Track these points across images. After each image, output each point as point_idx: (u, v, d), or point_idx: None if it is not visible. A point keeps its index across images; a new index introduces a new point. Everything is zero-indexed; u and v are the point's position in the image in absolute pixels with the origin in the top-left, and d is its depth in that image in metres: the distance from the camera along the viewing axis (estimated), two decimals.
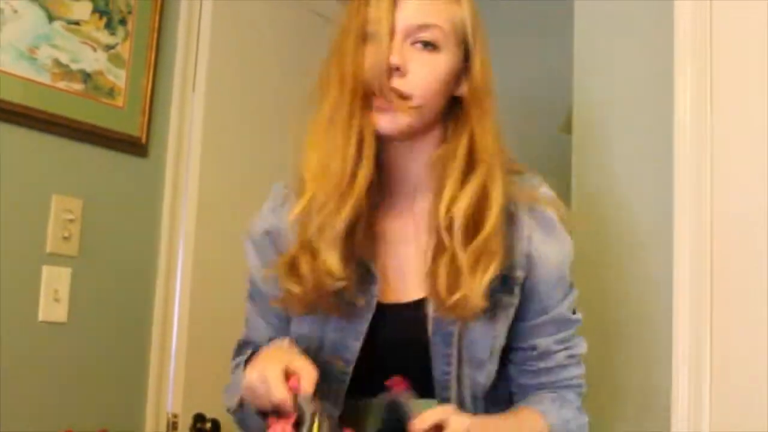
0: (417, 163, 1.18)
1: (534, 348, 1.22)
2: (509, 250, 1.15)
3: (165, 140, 2.00)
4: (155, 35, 1.97)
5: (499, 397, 1.23)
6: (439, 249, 1.13)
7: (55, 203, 1.77)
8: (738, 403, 1.43)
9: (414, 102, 1.11)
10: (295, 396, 0.98)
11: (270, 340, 1.22)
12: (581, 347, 1.25)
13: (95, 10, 1.85)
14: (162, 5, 1.98)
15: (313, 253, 1.12)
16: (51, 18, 1.77)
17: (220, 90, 2.10)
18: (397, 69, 1.10)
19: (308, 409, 0.98)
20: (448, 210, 1.12)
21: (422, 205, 1.18)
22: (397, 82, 1.10)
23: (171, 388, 1.95)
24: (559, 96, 2.03)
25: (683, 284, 1.50)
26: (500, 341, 1.19)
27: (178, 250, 2.01)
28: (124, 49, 1.91)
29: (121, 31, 1.90)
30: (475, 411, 1.17)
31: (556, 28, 1.87)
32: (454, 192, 1.13)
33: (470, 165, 1.15)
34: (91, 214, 1.84)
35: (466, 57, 1.17)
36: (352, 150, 1.11)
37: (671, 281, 1.51)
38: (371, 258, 1.18)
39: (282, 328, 1.25)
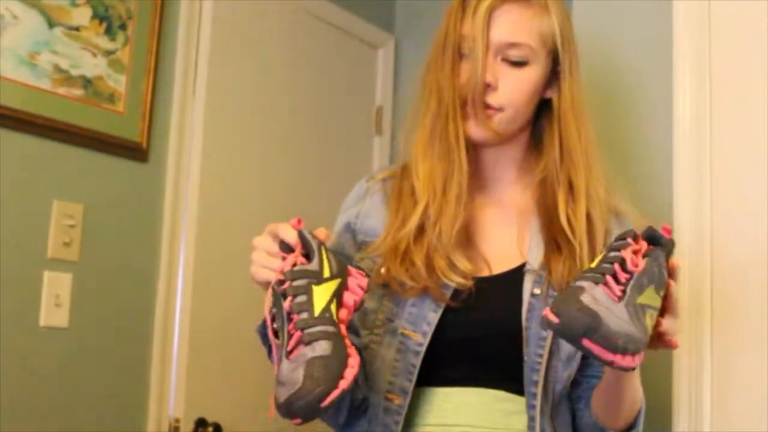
0: (506, 162, 1.30)
1: None
2: None
3: (165, 145, 2.00)
4: (155, 40, 1.97)
5: (560, 415, 1.23)
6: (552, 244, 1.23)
7: (56, 209, 1.78)
8: (739, 403, 1.42)
9: (505, 113, 1.23)
10: (300, 232, 1.04)
11: None
12: None
13: (95, 16, 1.85)
14: (162, 10, 1.99)
15: (429, 253, 1.20)
16: (51, 24, 1.77)
17: (220, 95, 2.10)
18: (489, 85, 1.21)
19: (313, 241, 1.03)
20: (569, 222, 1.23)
21: (510, 195, 1.30)
22: (489, 98, 1.21)
23: (173, 392, 1.95)
24: None
25: (683, 284, 1.49)
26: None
27: (178, 254, 2.00)
28: (124, 55, 1.91)
29: (121, 36, 1.91)
30: (549, 411, 1.19)
31: None
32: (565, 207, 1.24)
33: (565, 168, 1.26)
34: (91, 220, 1.84)
35: (555, 62, 1.26)
36: (452, 159, 1.22)
37: None
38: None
39: None
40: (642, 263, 1.00)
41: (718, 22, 1.53)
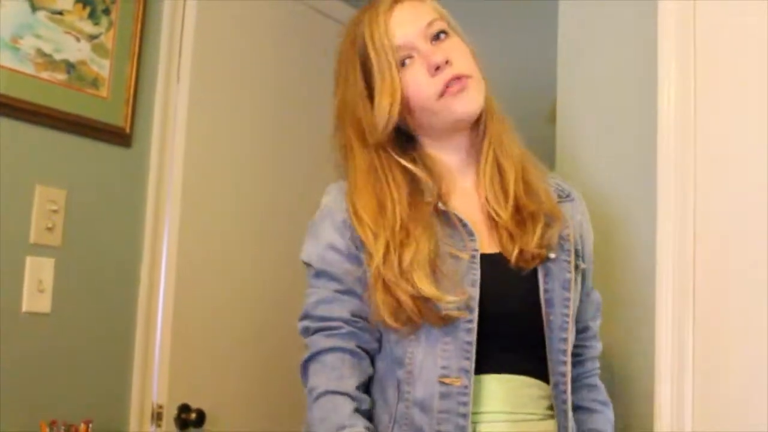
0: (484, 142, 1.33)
1: (587, 329, 1.34)
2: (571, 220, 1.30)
3: (149, 130, 2.00)
4: (139, 25, 1.95)
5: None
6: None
7: (39, 193, 1.77)
8: (720, 403, 1.44)
9: (473, 78, 1.26)
10: None
11: (353, 314, 1.24)
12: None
13: (78, 0, 1.83)
14: None
15: (411, 284, 1.18)
16: (34, 8, 1.75)
17: (204, 80, 2.09)
18: (447, 62, 1.24)
19: None
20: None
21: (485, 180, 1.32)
22: (454, 70, 1.24)
23: (156, 378, 1.95)
24: (548, 84, 2.03)
25: (666, 284, 1.51)
26: (576, 305, 1.27)
27: (162, 240, 2.00)
28: (108, 39, 1.90)
29: (104, 20, 1.89)
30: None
31: (542, 21, 1.87)
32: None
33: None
34: (74, 205, 1.83)
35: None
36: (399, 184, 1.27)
37: (654, 281, 1.52)
38: (466, 216, 1.26)
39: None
40: None
41: (703, 22, 1.54)
